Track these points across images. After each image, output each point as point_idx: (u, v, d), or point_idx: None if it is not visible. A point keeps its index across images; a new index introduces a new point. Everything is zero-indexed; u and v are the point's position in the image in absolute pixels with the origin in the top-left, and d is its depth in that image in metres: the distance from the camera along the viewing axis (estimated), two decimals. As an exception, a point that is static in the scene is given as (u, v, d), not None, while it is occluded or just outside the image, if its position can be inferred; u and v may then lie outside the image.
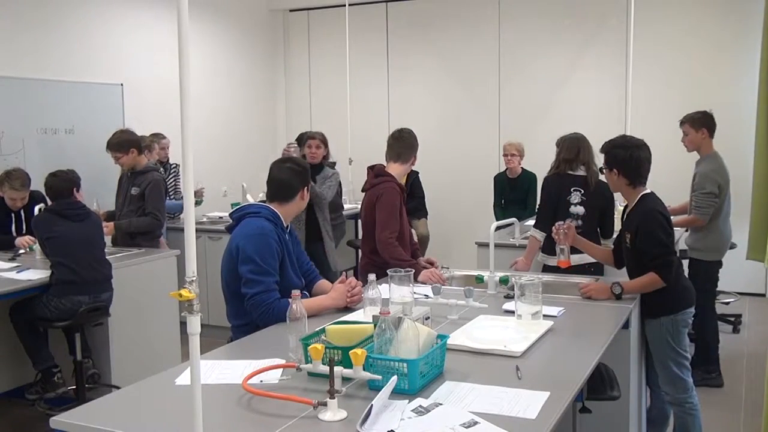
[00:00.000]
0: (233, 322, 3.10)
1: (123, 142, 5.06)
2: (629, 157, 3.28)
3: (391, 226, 3.80)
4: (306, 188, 3.23)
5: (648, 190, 3.34)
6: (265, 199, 3.29)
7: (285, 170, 3.21)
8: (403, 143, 3.99)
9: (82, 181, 4.54)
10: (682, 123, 4.80)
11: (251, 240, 2.98)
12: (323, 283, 3.38)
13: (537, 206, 4.68)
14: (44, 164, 5.69)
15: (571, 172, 4.31)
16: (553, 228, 3.57)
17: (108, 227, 4.96)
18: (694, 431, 3.41)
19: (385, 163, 4.02)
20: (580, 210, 4.24)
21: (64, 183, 4.30)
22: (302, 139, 6.07)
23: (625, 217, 3.43)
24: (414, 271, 3.31)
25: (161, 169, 5.62)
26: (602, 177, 4.27)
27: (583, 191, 4.25)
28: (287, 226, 3.19)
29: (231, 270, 3.02)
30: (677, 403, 3.40)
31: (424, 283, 3.56)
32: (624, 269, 3.57)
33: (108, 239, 4.95)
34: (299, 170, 3.23)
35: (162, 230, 5.43)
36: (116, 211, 5.25)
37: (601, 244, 4.32)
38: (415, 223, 7.28)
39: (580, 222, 4.20)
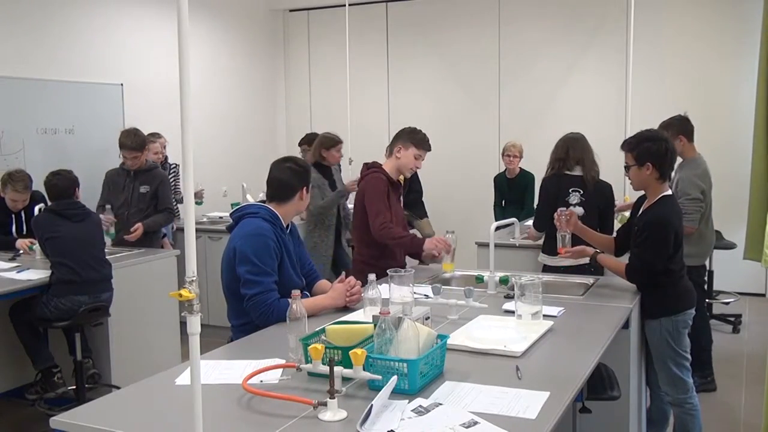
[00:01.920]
0: (233, 322, 3.10)
1: (141, 142, 5.18)
2: (665, 150, 3.24)
3: (383, 212, 3.79)
4: (305, 189, 3.20)
5: (669, 192, 3.33)
6: (265, 198, 3.28)
7: (284, 170, 3.19)
8: (393, 140, 4.00)
9: (83, 181, 4.54)
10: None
11: (248, 240, 2.98)
12: (323, 283, 3.38)
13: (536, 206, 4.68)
14: (44, 164, 5.68)
15: (568, 172, 4.30)
16: (555, 215, 3.56)
17: (137, 229, 5.03)
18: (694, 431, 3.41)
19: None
20: (579, 210, 4.21)
21: (66, 182, 4.29)
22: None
23: (641, 210, 3.40)
24: (418, 244, 3.53)
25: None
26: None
27: (582, 191, 4.24)
28: (287, 226, 3.19)
29: (230, 270, 3.02)
30: (677, 404, 3.40)
31: (431, 256, 3.72)
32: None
33: (108, 240, 4.97)
34: (298, 170, 3.20)
35: (165, 230, 5.47)
36: (121, 210, 5.25)
37: None
38: (418, 223, 7.30)
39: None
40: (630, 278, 3.32)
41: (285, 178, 3.17)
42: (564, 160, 4.30)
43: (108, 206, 4.95)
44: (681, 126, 4.57)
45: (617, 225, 5.26)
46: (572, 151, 4.30)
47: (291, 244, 3.18)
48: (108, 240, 4.96)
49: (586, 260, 4.16)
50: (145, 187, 5.21)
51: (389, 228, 3.77)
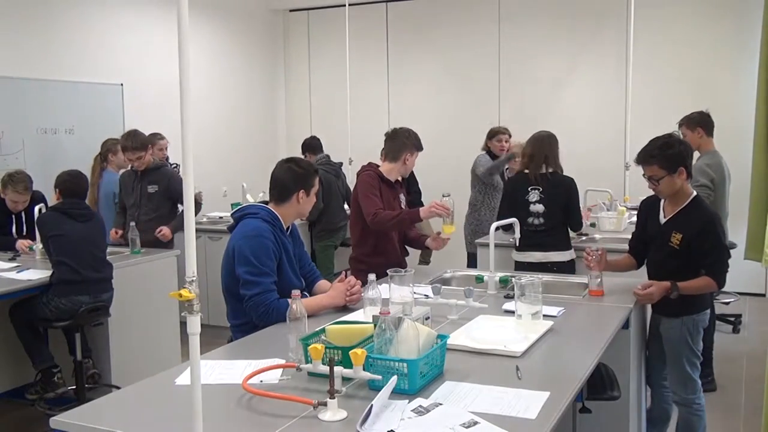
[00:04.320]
0: (232, 322, 3.10)
1: (143, 141, 5.18)
2: (687, 149, 3.25)
3: (373, 203, 3.83)
4: (303, 191, 3.14)
5: (695, 192, 3.29)
6: (267, 198, 3.28)
7: (284, 170, 3.17)
8: (391, 143, 4.03)
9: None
10: (680, 125, 4.81)
11: (247, 241, 2.98)
12: (323, 283, 3.38)
13: None
14: (44, 164, 5.70)
15: (527, 171, 4.43)
16: (584, 254, 3.42)
17: (164, 232, 5.10)
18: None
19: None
20: (539, 208, 4.34)
21: (85, 185, 4.33)
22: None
23: (662, 213, 3.33)
24: (415, 215, 3.69)
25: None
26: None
27: (541, 189, 4.34)
28: (288, 227, 3.19)
29: (229, 271, 3.02)
30: (685, 404, 3.37)
31: (434, 244, 3.87)
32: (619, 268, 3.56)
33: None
34: (298, 172, 3.16)
35: None
36: (131, 211, 5.25)
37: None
38: (420, 225, 7.31)
39: (542, 220, 4.33)
40: (721, 284, 3.20)
41: (283, 179, 3.15)
42: (524, 158, 4.49)
43: (132, 224, 4.93)
44: (702, 119, 4.72)
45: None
46: (526, 148, 4.49)
47: (291, 245, 3.18)
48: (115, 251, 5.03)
49: (563, 258, 4.24)
50: (153, 187, 5.22)
51: (381, 213, 3.80)
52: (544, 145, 4.41)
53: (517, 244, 3.89)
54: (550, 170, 4.37)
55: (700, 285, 3.21)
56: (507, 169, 6.51)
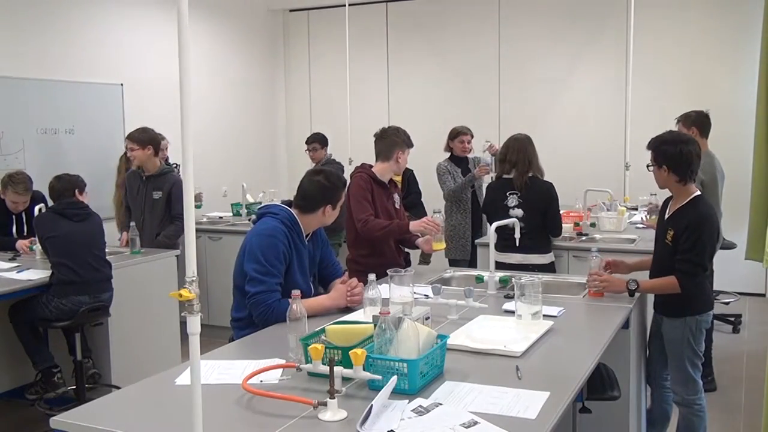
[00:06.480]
0: (234, 315, 3.12)
1: (144, 137, 5.15)
2: (679, 152, 3.20)
3: (364, 209, 3.83)
4: (330, 206, 3.16)
5: (698, 192, 3.28)
6: (274, 200, 3.28)
7: (312, 183, 3.17)
8: (381, 142, 4.04)
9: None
10: (677, 122, 4.82)
11: (259, 239, 3.01)
12: (336, 281, 3.37)
13: None
14: (44, 164, 5.69)
15: (507, 176, 4.45)
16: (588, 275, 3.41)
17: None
18: (699, 432, 3.40)
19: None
20: (518, 213, 4.35)
21: (66, 184, 4.32)
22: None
23: (667, 211, 3.34)
24: (404, 228, 3.65)
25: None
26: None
27: (519, 194, 4.37)
28: (308, 234, 3.19)
29: (240, 265, 3.06)
30: (686, 404, 3.37)
31: (418, 234, 3.81)
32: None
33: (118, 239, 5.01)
34: (327, 186, 3.16)
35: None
36: (136, 215, 5.24)
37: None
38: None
39: (521, 224, 4.26)
40: (685, 287, 3.16)
41: (311, 192, 3.16)
42: (503, 163, 4.48)
43: (132, 223, 4.92)
44: (698, 119, 4.70)
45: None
46: (510, 154, 4.46)
47: (307, 250, 3.18)
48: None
49: (543, 261, 4.25)
50: (157, 193, 5.18)
51: (371, 222, 3.81)
52: (528, 152, 4.42)
53: (517, 244, 3.89)
54: (530, 174, 4.39)
55: (660, 284, 3.23)
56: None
